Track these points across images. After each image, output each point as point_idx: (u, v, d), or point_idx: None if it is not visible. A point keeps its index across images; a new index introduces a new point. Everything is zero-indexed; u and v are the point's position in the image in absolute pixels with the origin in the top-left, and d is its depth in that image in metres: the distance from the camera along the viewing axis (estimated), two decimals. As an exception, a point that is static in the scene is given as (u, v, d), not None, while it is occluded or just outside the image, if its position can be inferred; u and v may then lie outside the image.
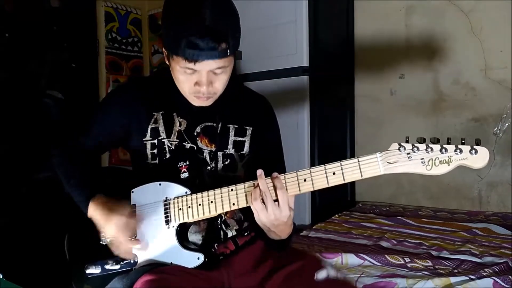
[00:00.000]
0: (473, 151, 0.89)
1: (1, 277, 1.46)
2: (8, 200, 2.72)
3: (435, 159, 0.91)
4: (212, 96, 1.13)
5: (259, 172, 1.00)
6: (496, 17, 2.55)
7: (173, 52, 1.06)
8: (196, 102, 1.16)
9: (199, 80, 1.08)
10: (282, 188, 0.99)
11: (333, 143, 2.93)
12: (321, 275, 1.09)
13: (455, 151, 0.90)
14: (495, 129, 2.57)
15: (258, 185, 1.00)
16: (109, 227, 1.07)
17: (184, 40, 1.01)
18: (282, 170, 1.11)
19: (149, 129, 1.19)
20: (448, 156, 0.91)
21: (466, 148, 0.90)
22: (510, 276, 1.46)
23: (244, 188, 1.04)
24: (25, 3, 2.98)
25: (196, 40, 1.00)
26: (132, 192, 1.15)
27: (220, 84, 1.11)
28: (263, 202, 0.99)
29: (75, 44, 3.22)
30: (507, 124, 2.54)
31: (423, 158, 0.92)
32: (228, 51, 1.05)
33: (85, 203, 1.12)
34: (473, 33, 2.62)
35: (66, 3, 3.18)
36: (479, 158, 0.90)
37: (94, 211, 1.10)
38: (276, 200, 0.99)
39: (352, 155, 3.01)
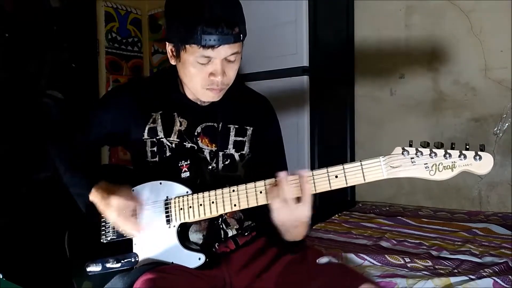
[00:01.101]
0: (477, 157, 0.89)
1: (1, 277, 1.46)
2: (8, 200, 2.72)
3: (438, 164, 0.90)
4: (225, 87, 1.14)
5: (281, 172, 0.99)
6: (496, 17, 2.55)
7: (187, 42, 1.06)
8: (207, 96, 1.16)
9: (214, 69, 1.08)
10: (307, 186, 0.98)
11: (333, 143, 2.93)
12: (323, 260, 1.09)
13: (459, 156, 0.89)
14: (495, 129, 2.57)
15: (278, 183, 0.99)
16: (110, 210, 1.07)
17: (199, 28, 1.02)
18: (284, 170, 1.11)
19: (146, 128, 1.19)
20: (452, 162, 0.90)
21: (470, 154, 0.89)
22: (510, 276, 1.46)
23: (246, 189, 1.04)
24: (25, 3, 2.98)
25: (211, 27, 1.02)
26: (133, 190, 1.16)
27: (232, 73, 1.13)
28: (284, 200, 0.98)
29: (75, 44, 3.22)
30: (507, 124, 2.54)
31: (426, 163, 0.91)
32: (241, 36, 1.07)
33: (86, 190, 1.12)
34: (473, 33, 2.62)
35: (66, 3, 3.18)
36: (483, 164, 0.89)
37: (95, 197, 1.11)
38: (297, 199, 0.98)
39: (352, 155, 3.01)
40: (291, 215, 0.99)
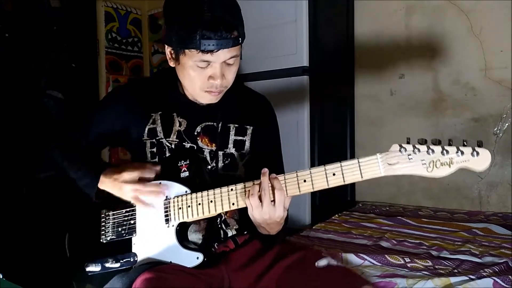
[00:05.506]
0: (475, 153, 0.88)
1: (1, 277, 1.46)
2: (8, 200, 2.72)
3: (436, 161, 0.90)
4: (224, 89, 1.15)
5: (265, 170, 1.01)
6: (496, 17, 2.55)
7: (186, 47, 1.06)
8: (206, 99, 1.17)
9: (213, 73, 1.09)
10: (280, 189, 1.00)
11: (333, 143, 2.92)
12: (321, 262, 1.09)
13: (456, 153, 0.89)
14: (495, 129, 2.57)
15: (258, 183, 1.01)
16: (126, 185, 1.08)
17: (198, 33, 1.02)
18: (280, 169, 1.11)
19: (146, 129, 1.20)
20: (450, 158, 0.89)
21: (467, 150, 0.89)
22: (510, 276, 1.46)
23: (244, 188, 1.04)
24: (25, 3, 2.98)
25: (210, 31, 1.02)
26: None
27: (231, 76, 1.13)
28: (260, 200, 1.00)
29: (75, 44, 3.22)
30: (507, 124, 2.53)
31: (424, 160, 0.91)
32: (240, 39, 1.08)
33: (94, 179, 1.13)
34: (473, 33, 2.62)
35: (66, 3, 3.19)
36: (481, 160, 0.88)
37: (105, 183, 1.12)
38: (273, 200, 1.00)
39: (352, 155, 3.01)
40: (264, 214, 1.01)
